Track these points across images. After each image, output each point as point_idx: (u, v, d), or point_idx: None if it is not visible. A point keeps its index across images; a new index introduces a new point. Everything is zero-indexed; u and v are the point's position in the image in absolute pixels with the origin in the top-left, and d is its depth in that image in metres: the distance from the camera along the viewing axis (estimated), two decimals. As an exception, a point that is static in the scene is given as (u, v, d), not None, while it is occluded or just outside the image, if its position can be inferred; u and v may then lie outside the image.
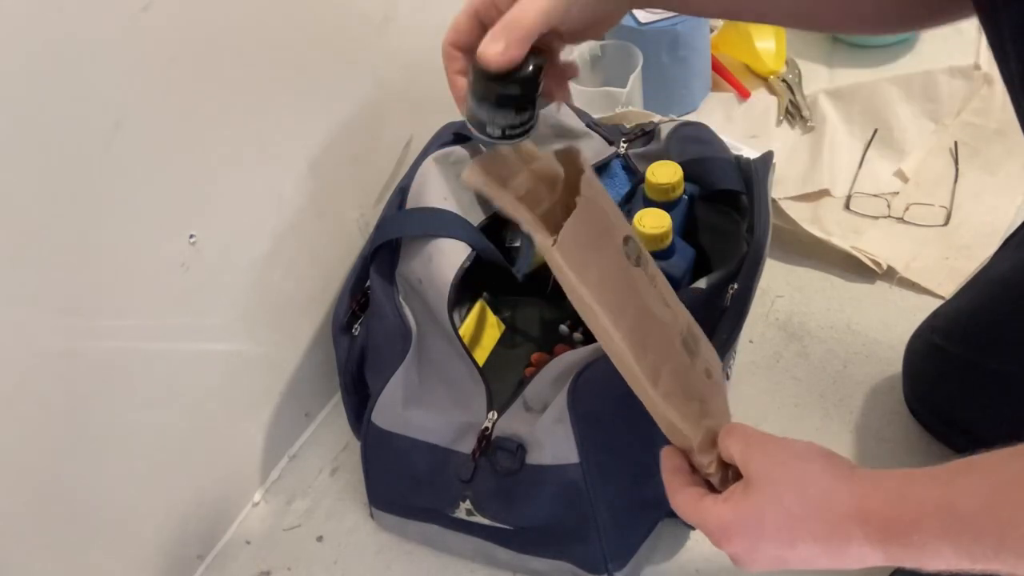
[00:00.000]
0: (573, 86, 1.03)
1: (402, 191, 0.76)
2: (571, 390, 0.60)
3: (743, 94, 1.09)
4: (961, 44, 1.07)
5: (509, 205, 0.47)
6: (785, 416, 0.77)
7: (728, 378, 0.73)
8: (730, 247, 0.74)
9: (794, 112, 1.04)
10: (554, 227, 0.45)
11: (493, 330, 0.81)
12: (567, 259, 0.45)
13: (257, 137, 0.67)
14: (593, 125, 0.85)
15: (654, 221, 0.70)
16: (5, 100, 0.48)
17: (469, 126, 0.51)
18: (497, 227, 0.83)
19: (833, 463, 0.43)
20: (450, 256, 0.71)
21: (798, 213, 0.88)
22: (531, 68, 0.48)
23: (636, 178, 0.83)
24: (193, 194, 0.63)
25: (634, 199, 0.79)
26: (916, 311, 0.76)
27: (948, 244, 0.87)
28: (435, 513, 0.67)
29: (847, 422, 0.75)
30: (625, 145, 0.84)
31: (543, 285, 0.84)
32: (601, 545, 0.63)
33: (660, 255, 0.70)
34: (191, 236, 0.63)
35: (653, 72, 1.02)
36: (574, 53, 1.04)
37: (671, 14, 1.01)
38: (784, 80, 1.07)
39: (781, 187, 0.93)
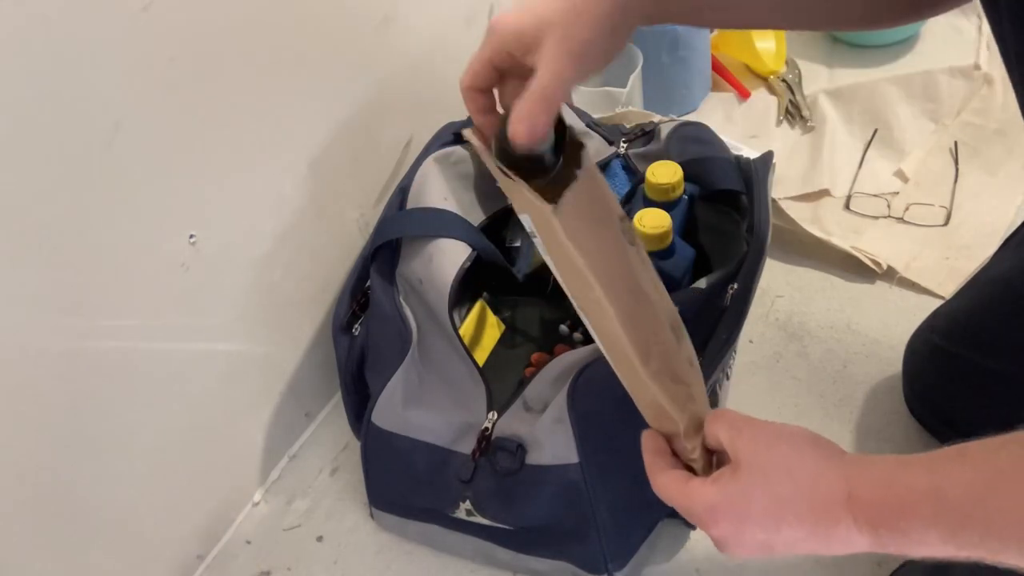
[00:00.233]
0: (573, 86, 1.03)
1: (402, 191, 0.76)
2: (571, 390, 0.60)
3: (743, 94, 1.09)
4: (961, 44, 1.07)
5: (507, 170, 0.47)
6: (785, 416, 0.76)
7: (728, 378, 0.73)
8: (730, 247, 0.74)
9: (794, 112, 1.04)
10: (548, 199, 0.44)
11: (493, 330, 0.81)
12: (566, 227, 0.44)
13: (257, 137, 0.67)
14: (593, 125, 0.85)
15: (654, 221, 0.70)
16: (6, 100, 0.48)
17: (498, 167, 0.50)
18: (497, 227, 0.83)
19: (822, 447, 0.43)
20: (450, 256, 0.71)
21: (798, 213, 0.88)
22: (555, 134, 0.48)
23: (636, 178, 0.83)
24: (193, 194, 0.63)
25: (634, 199, 0.79)
26: (916, 311, 0.76)
27: (948, 244, 0.87)
28: (435, 513, 0.67)
29: (847, 422, 0.75)
30: (625, 145, 0.84)
31: (543, 285, 0.84)
32: (601, 545, 0.63)
33: (660, 255, 0.70)
34: (191, 236, 0.63)
35: (653, 72, 1.02)
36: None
37: (671, 14, 1.01)
38: (784, 80, 1.07)
39: (781, 187, 0.93)
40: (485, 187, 0.80)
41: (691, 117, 0.99)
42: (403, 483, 0.67)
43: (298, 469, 0.81)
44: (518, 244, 0.83)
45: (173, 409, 0.67)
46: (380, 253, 0.73)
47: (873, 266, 0.85)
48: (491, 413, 0.64)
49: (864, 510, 0.39)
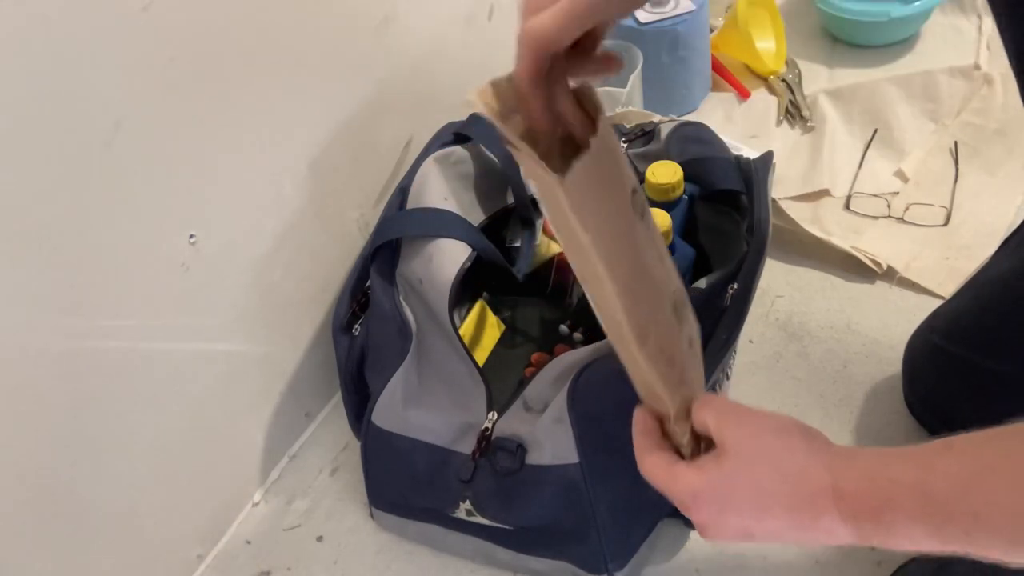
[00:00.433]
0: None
1: (402, 191, 0.76)
2: (571, 390, 0.60)
3: (743, 94, 1.09)
4: (961, 44, 1.07)
5: (512, 138, 0.44)
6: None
7: (728, 378, 0.73)
8: (730, 247, 0.74)
9: (794, 112, 1.04)
10: (554, 168, 0.42)
11: (493, 330, 0.81)
12: (572, 200, 0.42)
13: (257, 137, 0.67)
14: (593, 125, 0.85)
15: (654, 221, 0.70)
16: (6, 100, 0.48)
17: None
18: (497, 227, 0.83)
19: (809, 437, 0.42)
20: (450, 256, 0.71)
21: (798, 213, 0.88)
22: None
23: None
24: (193, 194, 0.63)
25: (634, 199, 0.79)
26: (916, 311, 0.76)
27: (948, 244, 0.87)
28: (435, 513, 0.67)
29: (847, 422, 0.75)
30: (625, 145, 0.84)
31: (543, 285, 0.84)
32: (601, 545, 0.63)
33: (660, 255, 0.70)
34: (191, 236, 0.63)
35: (653, 72, 1.02)
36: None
37: (671, 14, 1.01)
38: (784, 80, 1.08)
39: (781, 187, 0.93)
40: (485, 187, 0.80)
41: (691, 117, 0.99)
42: (403, 483, 0.67)
43: (298, 469, 0.81)
44: (518, 244, 0.83)
45: (173, 409, 0.67)
46: (380, 253, 0.73)
47: (873, 266, 0.85)
48: (491, 413, 0.64)
49: (848, 503, 0.39)
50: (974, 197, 0.91)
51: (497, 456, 0.61)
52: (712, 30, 1.12)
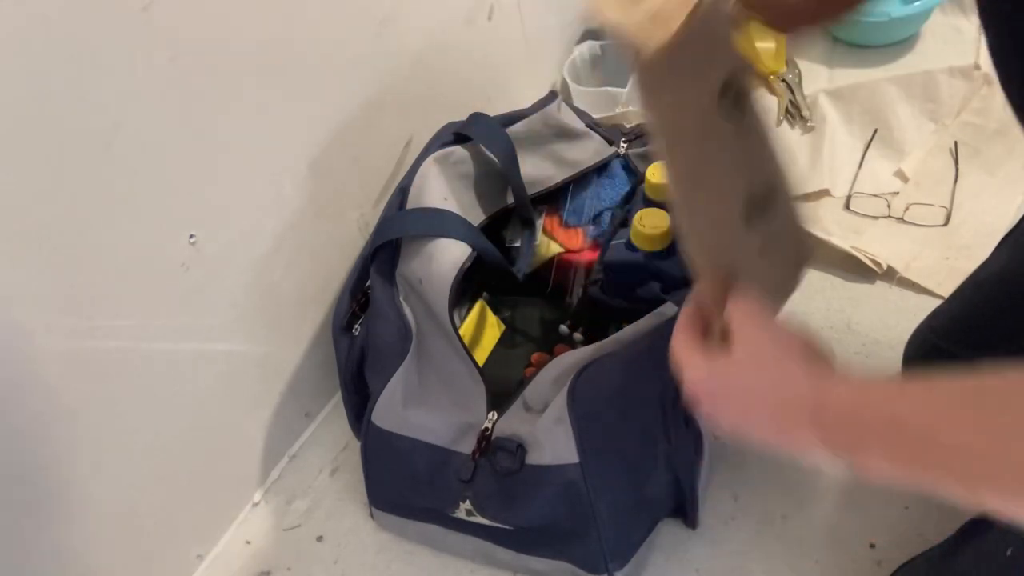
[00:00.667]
0: (573, 86, 1.04)
1: (402, 191, 0.76)
2: (571, 390, 0.60)
3: (743, 94, 1.09)
4: (961, 44, 1.07)
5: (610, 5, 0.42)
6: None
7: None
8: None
9: (794, 112, 1.04)
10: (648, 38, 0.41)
11: (493, 330, 0.81)
12: (644, 77, 0.42)
13: (257, 137, 0.67)
14: (593, 125, 0.85)
15: (654, 221, 0.70)
16: (6, 100, 0.48)
17: None
18: (497, 227, 0.83)
19: (810, 357, 0.44)
20: (450, 256, 0.71)
21: (798, 213, 0.88)
22: None
23: (636, 178, 0.83)
24: (193, 194, 0.63)
25: (634, 199, 0.79)
26: (916, 311, 0.76)
27: (948, 244, 0.87)
28: (435, 513, 0.67)
29: (847, 422, 0.75)
30: (625, 145, 0.84)
31: (543, 285, 0.84)
32: (601, 545, 0.63)
33: (660, 255, 0.70)
34: (191, 236, 0.63)
35: (653, 72, 1.02)
36: (575, 52, 1.04)
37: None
38: (784, 80, 1.07)
39: (781, 187, 0.93)
40: (485, 187, 0.80)
41: (691, 117, 0.99)
42: (403, 483, 0.67)
43: (298, 469, 0.81)
44: (518, 244, 0.83)
45: (173, 409, 0.67)
46: (380, 253, 0.73)
47: (873, 266, 0.85)
48: (491, 413, 0.64)
49: (825, 423, 0.40)
50: (974, 197, 0.91)
51: (497, 456, 0.61)
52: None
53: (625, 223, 0.75)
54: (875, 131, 0.99)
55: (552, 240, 0.83)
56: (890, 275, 0.85)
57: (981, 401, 0.36)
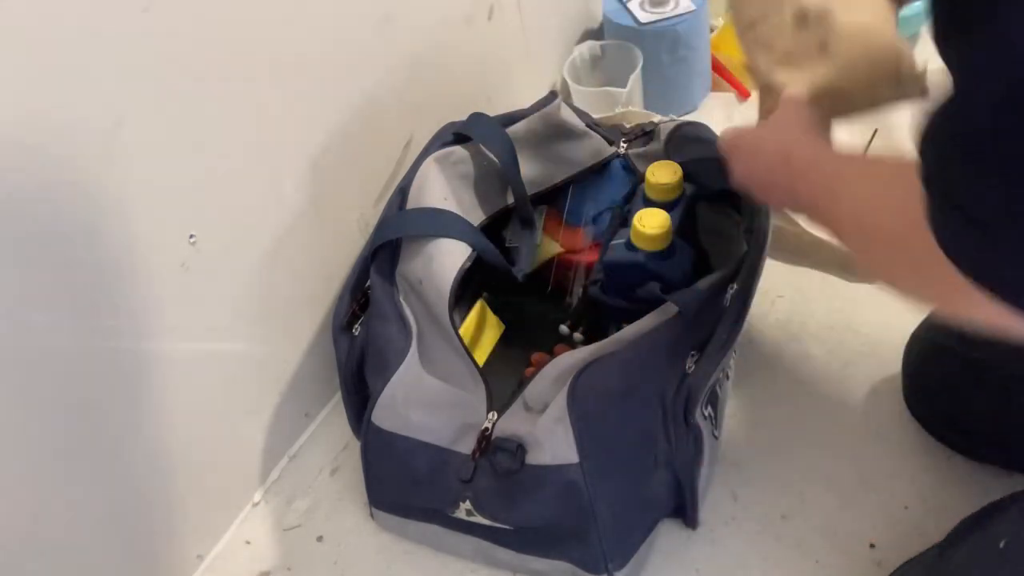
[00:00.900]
0: (573, 86, 1.04)
1: (402, 191, 0.76)
2: (571, 390, 0.60)
3: (743, 94, 1.09)
4: (961, 44, 1.07)
5: None
6: (785, 416, 0.77)
7: (728, 378, 0.73)
8: (730, 247, 0.74)
9: (794, 112, 1.04)
10: None
11: (493, 330, 0.81)
12: None
13: (257, 137, 0.67)
14: (593, 125, 0.85)
15: (654, 221, 0.70)
16: (6, 100, 0.48)
17: None
18: (497, 227, 0.83)
19: (812, 126, 0.60)
20: (450, 256, 0.71)
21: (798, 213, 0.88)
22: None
23: (636, 178, 0.83)
24: (193, 194, 0.63)
25: (634, 199, 0.79)
26: (916, 311, 0.76)
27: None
28: (435, 513, 0.67)
29: (847, 422, 0.75)
30: (625, 145, 0.84)
31: (543, 285, 0.84)
32: (601, 545, 0.63)
33: (660, 255, 0.70)
34: (191, 236, 0.63)
35: (653, 72, 1.02)
36: (575, 52, 1.04)
37: (671, 14, 1.01)
38: (784, 80, 1.07)
39: (781, 187, 0.93)
40: (485, 187, 0.80)
41: (691, 117, 0.99)
42: (403, 483, 0.67)
43: (298, 469, 0.81)
44: (518, 244, 0.83)
45: (173, 409, 0.67)
46: (380, 253, 0.73)
47: (873, 266, 0.85)
48: (491, 413, 0.64)
49: (791, 174, 0.56)
50: (974, 197, 0.91)
51: (497, 456, 0.61)
52: (712, 30, 1.12)
53: (625, 223, 0.75)
54: (875, 131, 0.99)
55: (552, 240, 0.83)
56: (890, 275, 0.85)
57: (836, 175, 0.53)
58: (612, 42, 1.04)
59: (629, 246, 0.71)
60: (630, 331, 0.64)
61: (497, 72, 0.98)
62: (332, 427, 0.84)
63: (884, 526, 0.68)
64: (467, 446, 0.63)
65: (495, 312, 0.82)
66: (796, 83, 0.61)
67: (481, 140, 0.78)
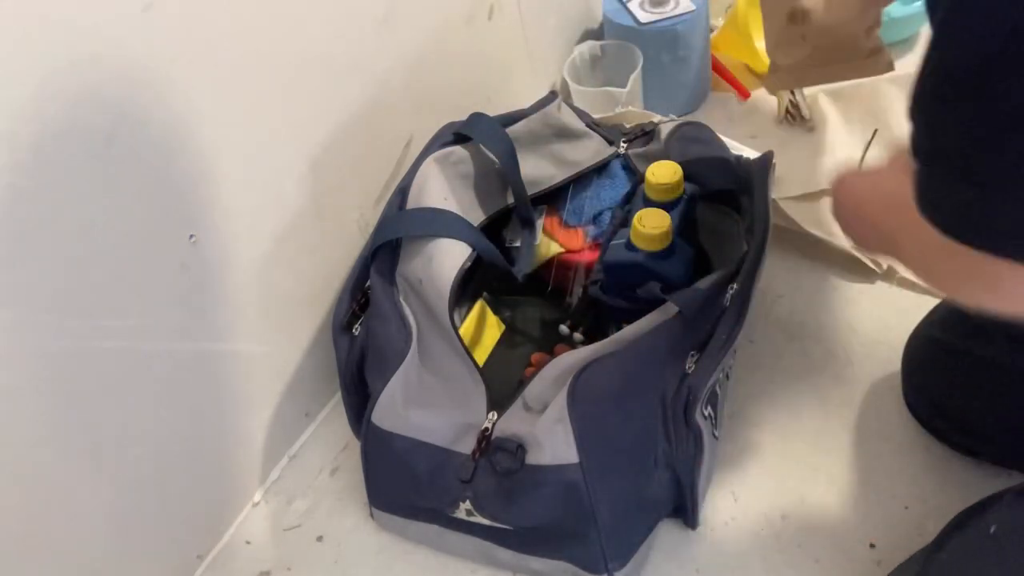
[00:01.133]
0: (573, 86, 1.04)
1: (402, 191, 0.76)
2: (571, 390, 0.60)
3: (743, 94, 1.09)
4: (961, 44, 1.07)
5: None
6: (785, 416, 0.77)
7: (728, 378, 0.73)
8: (730, 247, 0.74)
9: (794, 112, 1.04)
10: None
11: (493, 330, 0.81)
12: None
13: (257, 137, 0.67)
14: (593, 125, 0.85)
15: (654, 221, 0.70)
16: (6, 100, 0.48)
17: None
18: (497, 227, 0.83)
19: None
20: (450, 256, 0.71)
21: (798, 213, 0.88)
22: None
23: (636, 178, 0.83)
24: (193, 194, 0.63)
25: (634, 199, 0.79)
26: (916, 311, 0.76)
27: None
28: (435, 513, 0.67)
29: (847, 422, 0.75)
30: (625, 145, 0.84)
31: (543, 285, 0.84)
32: (601, 545, 0.63)
33: (660, 255, 0.70)
34: (191, 236, 0.63)
35: (653, 72, 1.02)
36: (575, 52, 1.04)
37: (671, 14, 1.01)
38: (784, 80, 1.07)
39: (781, 187, 0.93)
40: (485, 187, 0.80)
41: (691, 117, 0.99)
42: (403, 483, 0.67)
43: (298, 469, 0.81)
44: (518, 244, 0.83)
45: (173, 409, 0.67)
46: (380, 253, 0.73)
47: (873, 266, 0.85)
48: (491, 413, 0.64)
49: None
50: (974, 197, 0.91)
51: (497, 456, 0.61)
52: (712, 30, 1.12)
53: (625, 223, 0.75)
54: (875, 131, 0.99)
55: (552, 240, 0.83)
56: (890, 275, 0.85)
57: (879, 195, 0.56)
58: (612, 42, 1.04)
59: (629, 246, 0.71)
60: (630, 331, 0.64)
61: (497, 72, 0.98)
62: (332, 427, 0.84)
63: (884, 526, 0.68)
64: (467, 446, 0.63)
65: (495, 312, 0.82)
66: (784, 60, 0.87)
67: (481, 140, 0.78)
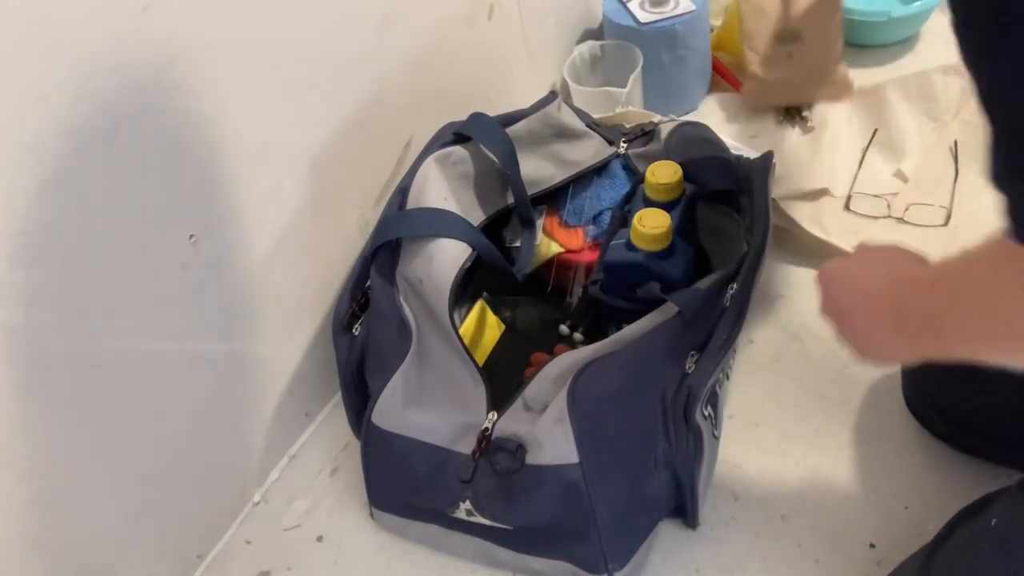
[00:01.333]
0: (573, 86, 1.04)
1: (402, 191, 0.76)
2: (571, 390, 0.60)
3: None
4: (961, 44, 1.07)
5: None
6: (785, 416, 0.77)
7: (728, 378, 0.73)
8: (730, 247, 0.74)
9: (794, 112, 1.04)
10: None
11: (493, 330, 0.81)
12: None
13: (257, 137, 0.67)
14: (593, 125, 0.85)
15: (654, 221, 0.70)
16: (6, 100, 0.48)
17: None
18: (497, 227, 0.83)
19: (904, 261, 0.55)
20: (450, 256, 0.71)
21: (798, 213, 0.88)
22: None
23: (636, 178, 0.83)
24: (193, 194, 0.63)
25: (634, 199, 0.79)
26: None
27: (948, 244, 0.87)
28: (435, 513, 0.67)
29: (847, 422, 0.75)
30: (625, 145, 0.84)
31: (543, 285, 0.84)
32: (601, 545, 0.63)
33: (660, 255, 0.70)
34: (191, 236, 0.63)
35: (653, 72, 1.02)
36: (575, 52, 1.04)
37: (671, 14, 1.01)
38: (784, 80, 1.07)
39: (781, 187, 0.93)
40: (485, 187, 0.80)
41: (691, 117, 0.99)
42: (403, 483, 0.67)
43: (298, 469, 0.81)
44: (518, 244, 0.83)
45: (173, 409, 0.67)
46: (380, 253, 0.73)
47: (873, 266, 0.85)
48: (491, 413, 0.64)
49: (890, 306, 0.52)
50: (974, 197, 0.91)
51: (497, 456, 0.61)
52: (712, 30, 1.12)
53: (625, 223, 0.75)
54: (875, 131, 0.99)
55: (552, 240, 0.83)
56: (890, 275, 0.85)
57: (945, 284, 0.47)
58: (612, 42, 1.04)
59: (629, 246, 0.71)
60: (630, 331, 0.64)
61: (497, 72, 0.98)
62: (332, 427, 0.84)
63: (884, 526, 0.68)
64: (467, 446, 0.63)
65: (495, 312, 0.82)
66: (769, 76, 0.96)
67: (481, 140, 0.78)
